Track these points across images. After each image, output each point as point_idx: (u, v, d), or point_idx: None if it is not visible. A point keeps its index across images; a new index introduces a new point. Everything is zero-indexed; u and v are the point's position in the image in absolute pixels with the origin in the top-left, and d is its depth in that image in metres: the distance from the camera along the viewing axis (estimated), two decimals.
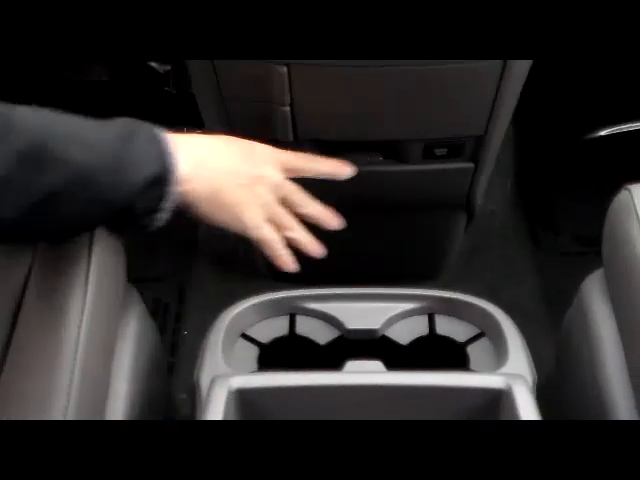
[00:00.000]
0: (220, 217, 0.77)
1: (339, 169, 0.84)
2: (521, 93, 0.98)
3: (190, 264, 1.39)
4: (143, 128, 0.72)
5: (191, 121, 1.13)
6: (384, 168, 1.01)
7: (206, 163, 0.76)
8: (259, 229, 0.78)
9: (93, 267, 0.74)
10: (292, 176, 0.81)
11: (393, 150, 1.00)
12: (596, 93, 1.54)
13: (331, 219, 0.82)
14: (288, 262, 0.80)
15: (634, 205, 0.77)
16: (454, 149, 0.98)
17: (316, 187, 1.01)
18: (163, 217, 0.72)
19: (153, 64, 1.58)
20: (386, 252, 1.19)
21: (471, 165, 1.01)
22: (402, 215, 1.14)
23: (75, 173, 0.67)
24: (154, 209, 0.72)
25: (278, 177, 0.79)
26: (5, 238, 0.72)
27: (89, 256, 0.75)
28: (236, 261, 1.37)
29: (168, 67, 1.56)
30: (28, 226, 0.68)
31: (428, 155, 0.98)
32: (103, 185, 0.68)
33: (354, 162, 0.99)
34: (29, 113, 0.67)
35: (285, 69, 0.85)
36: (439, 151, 0.98)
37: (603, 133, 1.54)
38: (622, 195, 0.79)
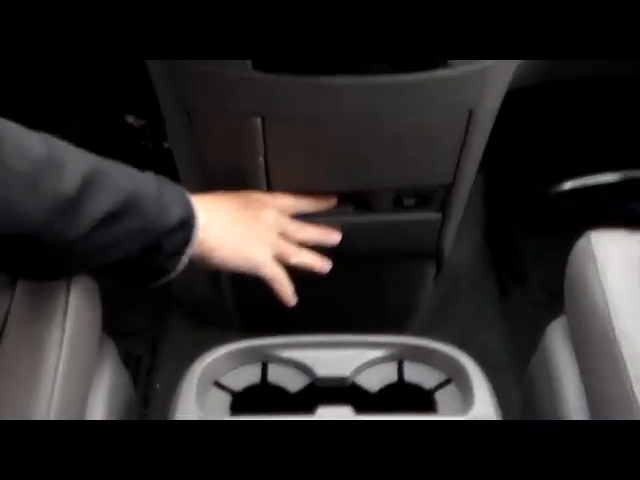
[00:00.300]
0: (232, 262, 0.85)
1: (324, 203, 0.95)
2: (489, 147, 1.01)
3: (163, 317, 1.40)
4: (165, 178, 0.80)
5: (167, 175, 1.15)
6: (356, 219, 1.04)
7: (215, 215, 0.84)
8: (268, 267, 0.87)
9: (70, 317, 0.76)
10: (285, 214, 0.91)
11: (364, 200, 1.03)
12: (561, 150, 1.59)
13: (328, 236, 0.95)
14: (291, 296, 0.90)
15: (593, 251, 0.80)
16: (423, 199, 1.01)
17: None
18: (184, 261, 0.79)
19: (129, 119, 1.61)
20: (356, 300, 1.21)
21: (439, 215, 1.04)
22: (372, 264, 1.16)
23: (126, 199, 0.71)
24: (179, 251, 0.78)
25: (274, 216, 0.89)
26: (63, 263, 0.73)
27: (66, 305, 0.76)
28: (208, 313, 1.38)
29: (144, 122, 1.59)
30: (82, 250, 0.70)
31: (398, 205, 1.01)
32: (149, 214, 0.73)
33: (326, 213, 1.03)
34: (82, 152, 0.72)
35: (259, 121, 0.87)
36: (408, 201, 1.00)
37: (567, 187, 1.59)
38: (582, 241, 0.82)
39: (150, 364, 1.32)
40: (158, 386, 1.27)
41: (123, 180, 0.72)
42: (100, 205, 0.69)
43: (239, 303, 1.23)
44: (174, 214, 0.75)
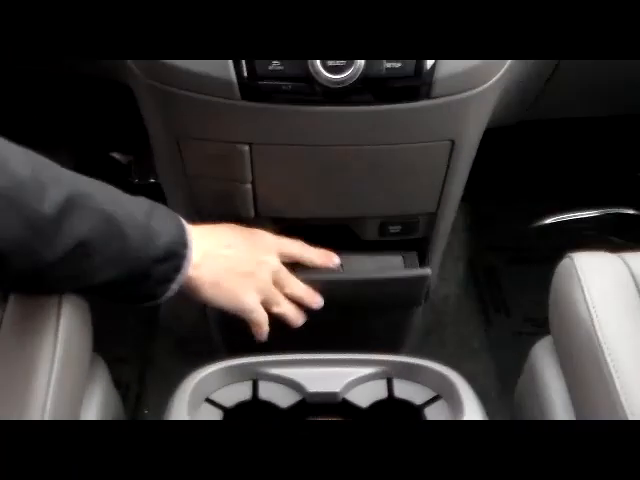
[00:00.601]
0: (220, 301, 0.87)
1: (328, 259, 0.97)
2: (472, 183, 1.04)
3: (150, 344, 1.40)
4: (161, 205, 0.80)
5: None
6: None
7: (212, 253, 0.84)
8: (255, 313, 0.89)
9: (61, 334, 0.76)
10: (287, 261, 0.93)
11: (350, 228, 1.04)
12: (542, 186, 1.63)
13: (314, 298, 0.95)
14: (264, 337, 0.91)
15: (576, 270, 0.82)
16: (408, 227, 1.03)
17: None
18: (174, 288, 0.79)
19: (116, 155, 1.63)
20: (342, 332, 1.22)
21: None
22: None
23: (108, 223, 0.71)
24: (168, 278, 0.78)
25: (276, 263, 0.90)
26: (40, 283, 0.74)
27: (57, 322, 0.76)
28: (195, 340, 1.38)
29: (130, 157, 1.61)
30: (61, 271, 0.71)
31: (384, 233, 1.03)
32: (132, 240, 0.73)
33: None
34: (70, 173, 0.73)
35: (247, 148, 0.89)
36: (393, 228, 1.02)
37: (548, 221, 1.62)
38: (565, 262, 0.84)
39: (138, 391, 1.32)
40: (147, 412, 1.27)
41: (108, 205, 0.72)
42: (80, 228, 0.69)
43: (226, 330, 1.24)
44: (162, 242, 0.76)
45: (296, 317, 0.94)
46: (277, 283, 0.91)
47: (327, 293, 0.98)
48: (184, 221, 0.81)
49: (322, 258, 0.96)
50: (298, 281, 0.94)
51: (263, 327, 0.90)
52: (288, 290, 0.92)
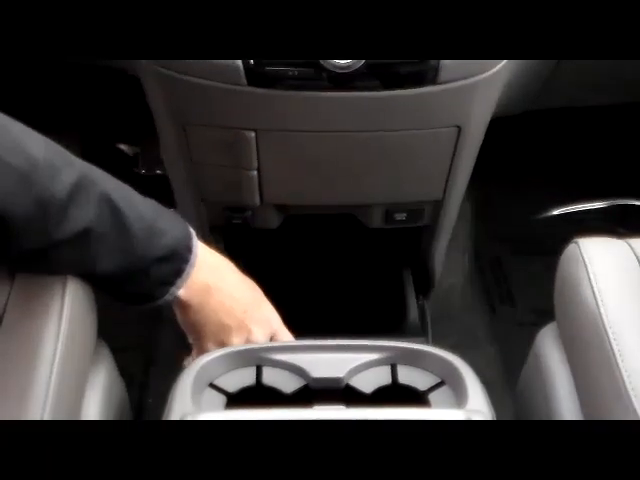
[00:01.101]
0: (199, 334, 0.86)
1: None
2: (477, 172, 1.04)
3: (155, 334, 1.40)
4: (170, 210, 0.79)
5: (159, 201, 1.18)
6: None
7: (216, 284, 0.81)
8: None
9: (65, 315, 0.76)
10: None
11: (356, 215, 1.04)
12: (549, 176, 1.62)
13: None
14: None
15: (582, 255, 0.82)
16: (414, 214, 1.03)
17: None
18: (173, 292, 0.78)
19: (122, 147, 1.63)
20: (348, 317, 1.22)
21: (429, 230, 1.06)
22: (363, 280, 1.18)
23: (114, 214, 0.72)
24: (167, 281, 0.77)
25: (261, 339, 0.88)
26: (43, 262, 0.75)
27: (62, 303, 0.76)
28: None
29: (137, 149, 1.61)
30: (64, 254, 0.72)
31: (389, 220, 1.03)
32: (136, 235, 0.73)
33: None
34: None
35: (253, 134, 0.89)
36: (399, 216, 1.02)
37: (555, 212, 1.62)
38: (571, 247, 0.84)
39: (142, 380, 1.32)
40: (151, 401, 1.27)
41: (116, 195, 0.72)
42: (87, 213, 0.70)
43: None
44: (166, 242, 0.76)
45: None
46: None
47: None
48: (192, 229, 0.80)
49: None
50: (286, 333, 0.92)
51: None
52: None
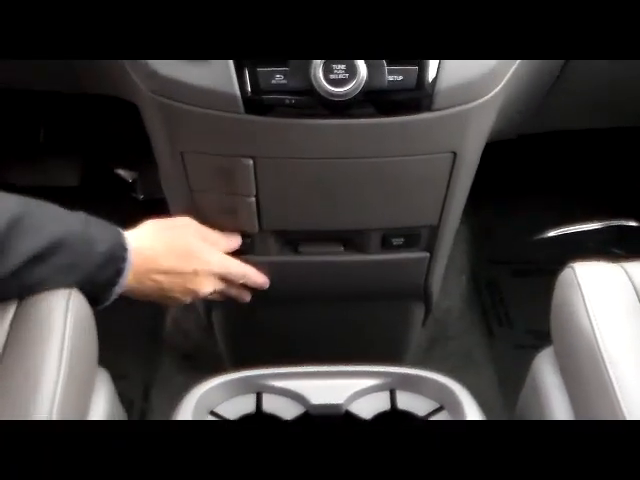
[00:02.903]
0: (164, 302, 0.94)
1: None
2: (474, 195, 1.04)
3: (154, 360, 1.40)
4: (95, 218, 0.84)
5: None
6: (345, 258, 1.06)
7: (142, 277, 0.88)
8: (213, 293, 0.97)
9: (67, 346, 0.77)
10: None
11: (353, 240, 1.05)
12: (544, 198, 1.63)
13: (260, 278, 1.03)
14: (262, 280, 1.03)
15: (577, 280, 0.82)
16: (410, 239, 1.03)
17: (280, 276, 1.06)
18: (117, 291, 0.84)
19: (121, 172, 1.64)
20: (347, 340, 1.22)
21: (426, 254, 1.06)
22: (361, 304, 1.18)
23: (52, 238, 0.76)
24: (111, 282, 0.83)
25: (215, 273, 0.96)
26: None
27: (63, 334, 0.77)
28: (200, 355, 1.39)
29: (135, 174, 1.62)
30: (13, 283, 0.76)
31: (386, 245, 1.03)
32: (76, 251, 0.78)
33: (316, 253, 1.05)
34: (9, 195, 0.77)
35: (251, 162, 0.90)
36: (396, 241, 1.03)
37: (551, 234, 1.63)
38: (566, 272, 0.85)
39: (142, 407, 1.32)
40: None
41: (49, 222, 0.77)
42: (27, 246, 0.74)
43: (231, 344, 1.24)
44: (101, 249, 0.80)
45: (239, 295, 1.04)
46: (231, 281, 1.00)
47: (333, 280, 0.99)
48: (120, 229, 0.86)
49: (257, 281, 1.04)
50: (242, 268, 1.01)
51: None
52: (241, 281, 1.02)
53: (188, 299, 0.95)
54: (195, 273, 0.92)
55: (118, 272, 0.82)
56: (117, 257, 0.82)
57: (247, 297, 1.06)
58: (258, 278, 1.04)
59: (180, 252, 0.91)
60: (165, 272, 0.90)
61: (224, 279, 0.98)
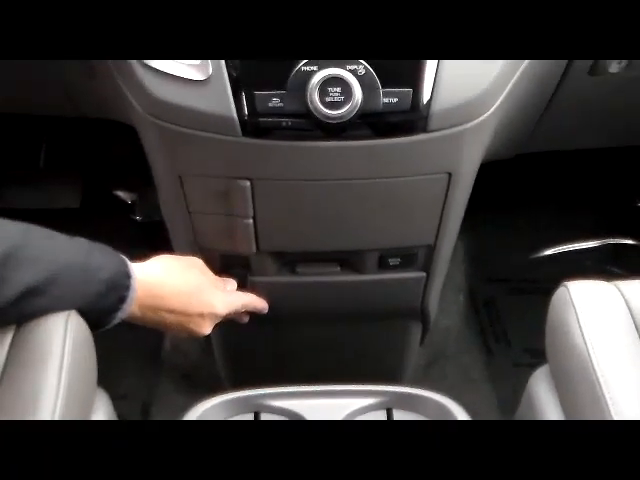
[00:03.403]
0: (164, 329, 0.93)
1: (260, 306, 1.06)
2: (470, 214, 1.05)
3: (153, 380, 1.41)
4: (101, 244, 0.83)
5: (156, 247, 1.19)
6: (342, 278, 1.07)
7: (157, 301, 0.88)
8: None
9: (66, 367, 0.77)
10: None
11: (350, 260, 1.06)
12: (541, 217, 1.64)
13: (260, 304, 1.05)
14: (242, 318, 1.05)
15: (571, 299, 0.83)
16: (407, 259, 1.04)
17: (278, 296, 1.07)
18: (120, 316, 0.83)
19: (120, 193, 1.65)
20: (344, 359, 1.23)
21: (423, 274, 1.07)
22: (359, 324, 1.19)
23: (48, 270, 0.75)
24: (114, 309, 0.82)
25: (219, 316, 0.96)
26: None
27: (62, 355, 0.77)
28: (198, 375, 1.39)
29: (134, 196, 1.64)
30: (12, 314, 0.76)
31: (383, 265, 1.04)
32: (75, 282, 0.77)
33: (313, 273, 1.05)
34: (10, 223, 0.76)
35: (248, 184, 0.91)
36: (393, 261, 1.03)
37: (548, 252, 1.63)
38: (560, 291, 0.86)
39: None
40: None
41: (49, 253, 0.77)
42: (23, 278, 0.73)
43: (230, 364, 1.25)
44: (102, 277, 0.80)
45: (244, 317, 1.06)
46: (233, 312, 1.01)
47: (330, 300, 0.99)
48: (126, 258, 0.84)
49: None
50: (245, 301, 1.03)
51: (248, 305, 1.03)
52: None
53: (186, 336, 0.96)
54: (201, 316, 0.93)
55: (121, 299, 0.82)
56: (120, 285, 0.82)
57: (245, 319, 1.07)
58: (258, 304, 1.05)
59: (189, 293, 0.92)
60: (171, 311, 0.89)
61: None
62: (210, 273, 0.99)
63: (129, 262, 0.84)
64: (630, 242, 1.66)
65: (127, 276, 0.82)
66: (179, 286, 0.91)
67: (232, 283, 1.02)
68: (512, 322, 1.56)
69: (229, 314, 0.99)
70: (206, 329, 0.94)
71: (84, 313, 0.81)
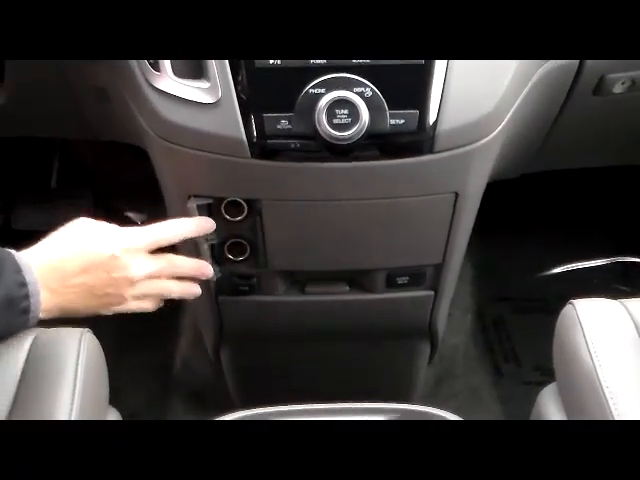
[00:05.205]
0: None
1: (202, 226, 0.92)
2: (478, 233, 1.06)
3: (163, 399, 1.41)
4: None
5: None
6: (351, 297, 1.07)
7: (53, 282, 0.80)
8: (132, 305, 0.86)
9: (78, 386, 0.78)
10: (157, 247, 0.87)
11: (358, 280, 1.06)
12: (548, 236, 1.64)
13: (204, 270, 0.92)
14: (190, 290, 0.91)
15: (578, 317, 0.84)
16: (415, 277, 1.05)
17: (287, 315, 1.08)
18: (32, 322, 0.78)
19: (130, 214, 1.67)
20: (353, 378, 1.23)
21: (431, 293, 1.07)
22: (368, 343, 1.19)
23: None
24: (18, 322, 0.77)
25: (137, 274, 0.84)
26: None
27: (75, 374, 0.79)
28: (209, 394, 1.40)
29: (144, 217, 1.65)
30: None
31: (391, 284, 1.05)
32: None
33: (322, 292, 1.06)
34: None
35: (257, 204, 0.92)
36: (401, 280, 1.04)
37: (556, 271, 1.64)
38: (567, 309, 0.86)
39: None
40: None
41: None
42: None
43: (239, 382, 1.25)
44: None
45: (185, 290, 0.91)
46: (162, 275, 0.88)
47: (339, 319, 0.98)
48: (21, 260, 0.78)
49: (195, 227, 0.92)
50: (180, 260, 0.90)
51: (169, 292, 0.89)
52: (179, 272, 0.90)
53: (127, 291, 0.85)
54: (114, 257, 0.82)
55: (24, 311, 0.77)
56: (16, 299, 0.76)
57: (196, 289, 0.93)
58: (193, 265, 0.92)
59: (88, 245, 0.82)
60: (84, 270, 0.81)
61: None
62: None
63: (20, 261, 0.77)
64: (637, 260, 1.66)
65: (23, 285, 0.76)
66: (77, 244, 0.82)
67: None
68: (521, 341, 1.56)
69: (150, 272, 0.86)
70: (132, 269, 0.83)
71: None
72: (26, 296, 0.76)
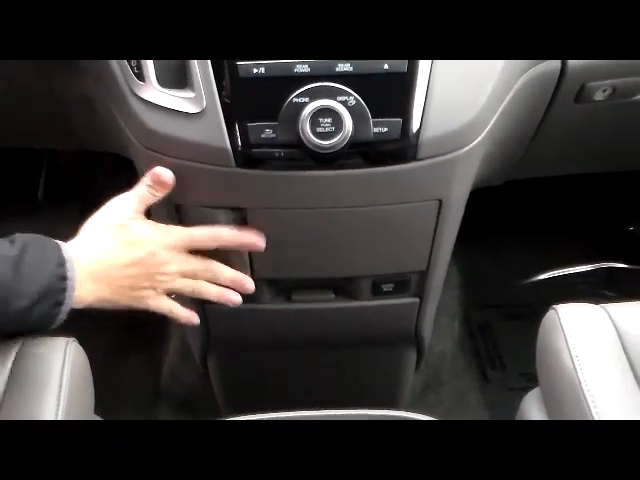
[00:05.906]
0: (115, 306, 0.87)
1: (251, 239, 0.93)
2: (463, 239, 1.06)
3: (151, 407, 1.41)
4: (36, 242, 0.80)
5: None
6: (336, 305, 1.08)
7: (100, 275, 0.83)
8: (152, 305, 0.90)
9: (63, 395, 0.78)
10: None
11: (344, 287, 1.07)
12: (534, 242, 1.65)
13: (247, 284, 0.96)
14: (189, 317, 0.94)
15: (560, 321, 0.85)
16: (400, 285, 1.05)
17: (269, 321, 1.08)
18: (61, 318, 0.80)
19: None
20: (340, 386, 1.24)
21: (416, 300, 1.08)
22: (354, 350, 1.19)
23: None
24: (52, 313, 0.79)
25: (171, 270, 0.89)
26: None
27: (60, 383, 0.79)
28: (197, 402, 1.39)
29: None
30: None
31: (377, 291, 1.05)
32: None
33: (308, 300, 1.06)
34: None
35: (242, 213, 0.92)
36: (386, 287, 1.04)
37: (541, 277, 1.65)
38: (549, 314, 0.87)
39: None
40: None
41: None
42: None
43: (226, 391, 1.25)
44: (35, 287, 0.76)
45: (221, 295, 0.94)
46: (197, 275, 0.92)
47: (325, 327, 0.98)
48: (66, 253, 0.80)
49: (245, 239, 0.94)
50: (223, 269, 0.94)
51: (174, 314, 0.93)
52: (216, 279, 0.94)
53: (161, 286, 0.89)
54: (153, 253, 0.87)
55: (58, 304, 0.78)
56: (54, 291, 0.78)
57: (235, 298, 0.96)
58: (233, 277, 0.95)
59: (133, 240, 0.87)
60: (127, 265, 0.85)
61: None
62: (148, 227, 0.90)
63: (65, 254, 0.80)
64: (622, 265, 1.67)
65: (63, 278, 0.78)
66: (120, 239, 0.86)
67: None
68: (507, 347, 1.57)
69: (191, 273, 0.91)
70: (161, 294, 0.89)
71: (16, 328, 0.79)
72: (63, 290, 0.78)
